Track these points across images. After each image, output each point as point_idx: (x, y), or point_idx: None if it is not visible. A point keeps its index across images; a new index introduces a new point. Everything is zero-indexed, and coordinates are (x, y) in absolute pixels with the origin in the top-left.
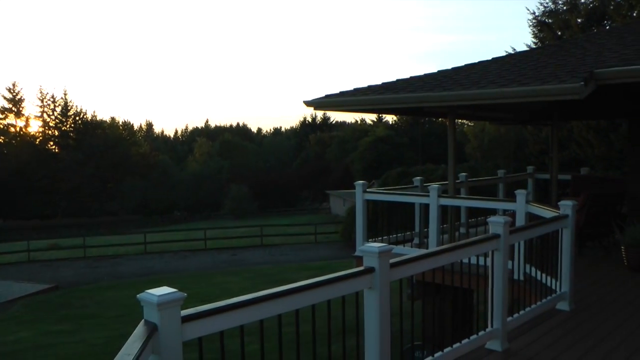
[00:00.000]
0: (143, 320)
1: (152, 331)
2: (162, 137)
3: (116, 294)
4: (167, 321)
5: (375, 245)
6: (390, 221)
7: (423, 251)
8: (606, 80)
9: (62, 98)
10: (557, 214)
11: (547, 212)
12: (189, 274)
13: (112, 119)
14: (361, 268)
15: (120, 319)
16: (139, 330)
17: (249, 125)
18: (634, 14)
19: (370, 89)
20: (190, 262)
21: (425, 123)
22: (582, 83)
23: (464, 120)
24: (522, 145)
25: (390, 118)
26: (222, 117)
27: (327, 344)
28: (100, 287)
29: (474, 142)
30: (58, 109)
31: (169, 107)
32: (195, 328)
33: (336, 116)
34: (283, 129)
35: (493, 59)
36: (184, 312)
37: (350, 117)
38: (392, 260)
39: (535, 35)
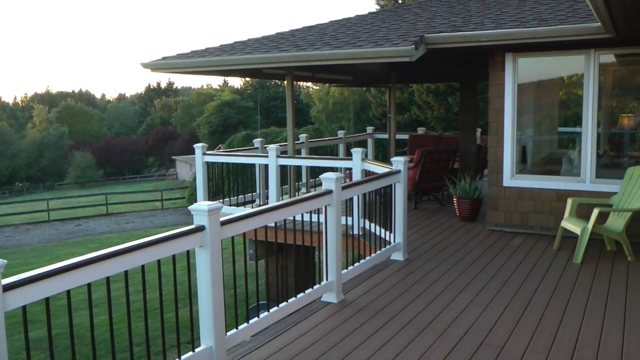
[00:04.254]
0: None
1: None
2: (0, 104)
3: None
4: None
5: (205, 203)
6: (235, 184)
7: (256, 209)
8: (435, 44)
9: None
10: (389, 170)
11: (380, 169)
12: (31, 248)
13: None
14: (191, 226)
15: None
16: None
17: (92, 92)
18: None
19: (208, 51)
20: (33, 235)
21: (271, 87)
22: (413, 46)
23: (309, 84)
24: (366, 108)
25: (236, 83)
26: (64, 84)
27: (164, 309)
28: None
29: (319, 105)
30: None
31: (6, 73)
32: (18, 296)
33: (181, 81)
34: (128, 95)
35: (330, 21)
36: (5, 281)
37: (196, 82)
38: (222, 218)
39: (377, 2)
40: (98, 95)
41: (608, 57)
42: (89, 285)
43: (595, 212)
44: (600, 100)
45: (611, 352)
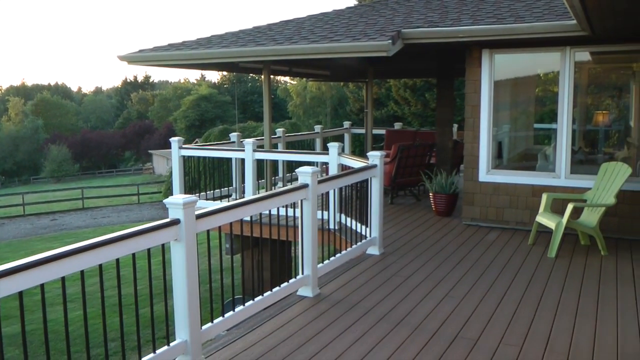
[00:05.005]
0: None
1: None
2: None
3: None
4: None
5: (180, 196)
6: (212, 179)
7: (231, 203)
8: (412, 39)
9: None
10: (366, 164)
11: (357, 163)
12: (6, 243)
13: None
14: (166, 220)
15: None
16: None
17: (68, 84)
18: None
19: (185, 44)
20: (8, 229)
21: (248, 81)
22: (390, 41)
23: (287, 78)
24: (344, 103)
25: (213, 77)
26: (40, 77)
27: (140, 304)
28: None
29: (297, 100)
30: None
31: None
32: None
33: (159, 75)
34: (105, 88)
35: (308, 16)
36: None
37: (173, 76)
38: (197, 212)
39: None
40: (74, 89)
41: (584, 55)
42: (63, 279)
43: (570, 207)
44: (576, 98)
45: (583, 344)
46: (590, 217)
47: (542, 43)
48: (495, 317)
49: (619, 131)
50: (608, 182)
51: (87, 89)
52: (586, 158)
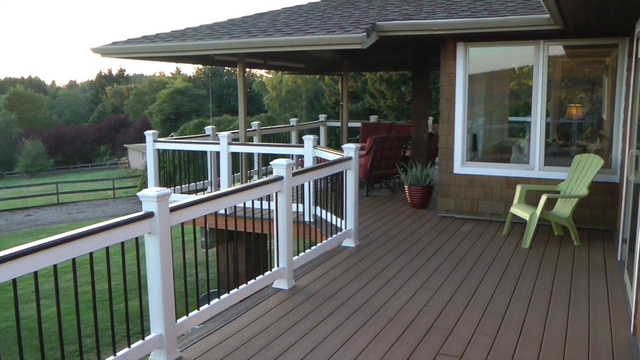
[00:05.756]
0: None
1: None
2: None
3: None
4: None
5: (154, 189)
6: (187, 172)
7: (205, 195)
8: (387, 32)
9: None
10: (341, 157)
11: (332, 155)
12: None
13: None
14: (140, 213)
15: None
16: None
17: (41, 78)
18: None
19: (159, 37)
20: None
21: (224, 75)
22: (365, 33)
23: (263, 71)
24: (319, 97)
25: (189, 70)
26: (13, 70)
27: (115, 300)
28: None
29: (272, 93)
30: None
31: None
32: None
33: (133, 68)
34: (79, 82)
35: (283, 8)
36: None
37: (148, 69)
38: (172, 205)
39: None
40: (48, 82)
41: (557, 49)
42: (36, 274)
43: (543, 198)
44: (550, 91)
45: (556, 333)
46: (564, 208)
47: (516, 37)
48: (469, 307)
49: (592, 124)
50: (581, 173)
51: (61, 82)
52: (560, 150)
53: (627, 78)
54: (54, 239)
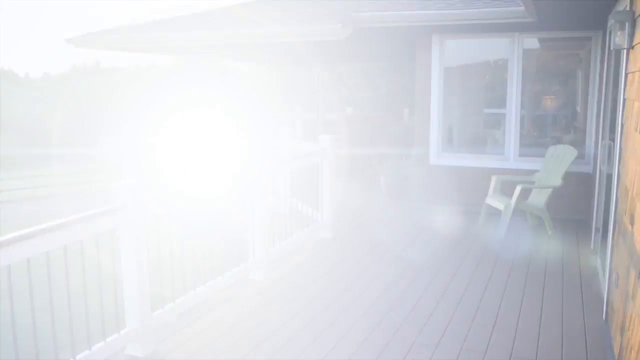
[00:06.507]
0: None
1: None
2: None
3: None
4: None
5: (128, 182)
6: None
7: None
8: (362, 24)
9: None
10: (316, 148)
11: (308, 147)
12: None
13: None
14: (116, 204)
15: None
16: None
17: (15, 70)
18: None
19: (135, 27)
20: None
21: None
22: (341, 25)
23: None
24: (295, 88)
25: (166, 63)
26: None
27: (94, 294)
28: None
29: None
30: None
31: None
32: None
33: (108, 60)
34: (53, 74)
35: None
36: None
37: (122, 62)
38: (147, 196)
39: None
40: (21, 74)
41: (533, 42)
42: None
43: (518, 189)
44: (525, 83)
45: (530, 319)
46: (538, 198)
47: (491, 29)
48: (445, 296)
49: (566, 115)
50: (555, 164)
51: (35, 75)
52: (534, 141)
53: (600, 70)
54: (28, 231)
